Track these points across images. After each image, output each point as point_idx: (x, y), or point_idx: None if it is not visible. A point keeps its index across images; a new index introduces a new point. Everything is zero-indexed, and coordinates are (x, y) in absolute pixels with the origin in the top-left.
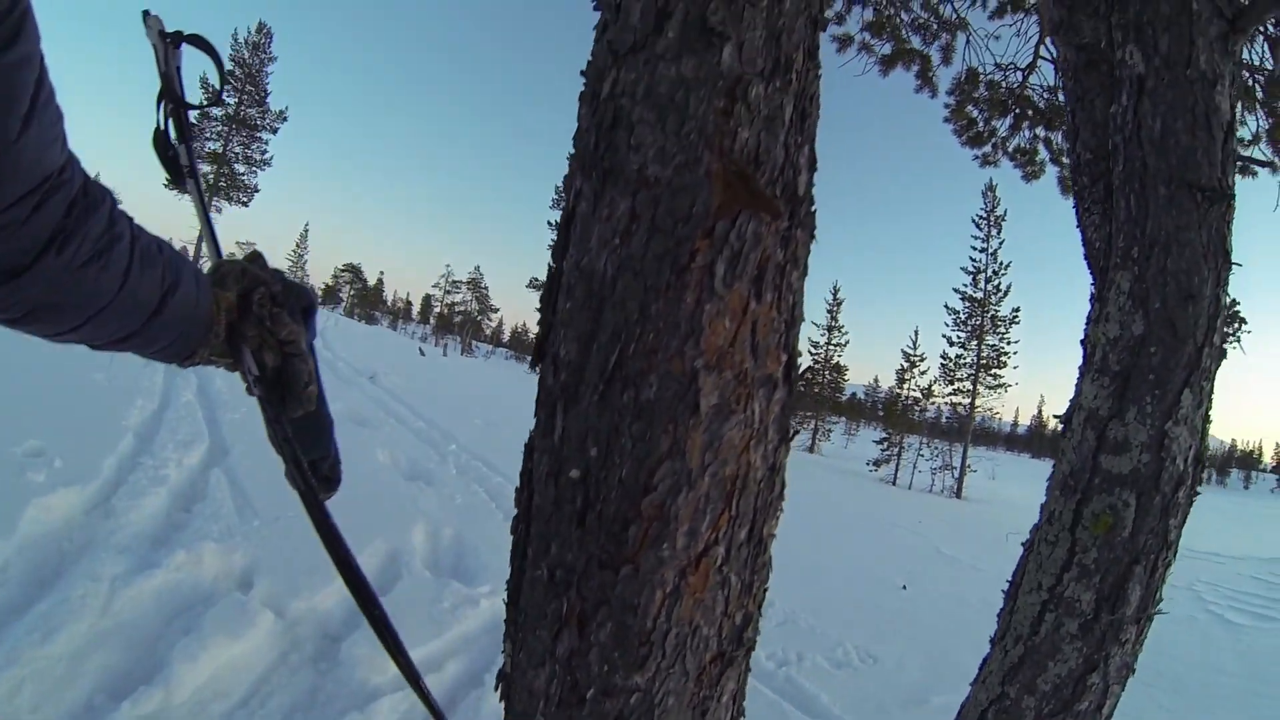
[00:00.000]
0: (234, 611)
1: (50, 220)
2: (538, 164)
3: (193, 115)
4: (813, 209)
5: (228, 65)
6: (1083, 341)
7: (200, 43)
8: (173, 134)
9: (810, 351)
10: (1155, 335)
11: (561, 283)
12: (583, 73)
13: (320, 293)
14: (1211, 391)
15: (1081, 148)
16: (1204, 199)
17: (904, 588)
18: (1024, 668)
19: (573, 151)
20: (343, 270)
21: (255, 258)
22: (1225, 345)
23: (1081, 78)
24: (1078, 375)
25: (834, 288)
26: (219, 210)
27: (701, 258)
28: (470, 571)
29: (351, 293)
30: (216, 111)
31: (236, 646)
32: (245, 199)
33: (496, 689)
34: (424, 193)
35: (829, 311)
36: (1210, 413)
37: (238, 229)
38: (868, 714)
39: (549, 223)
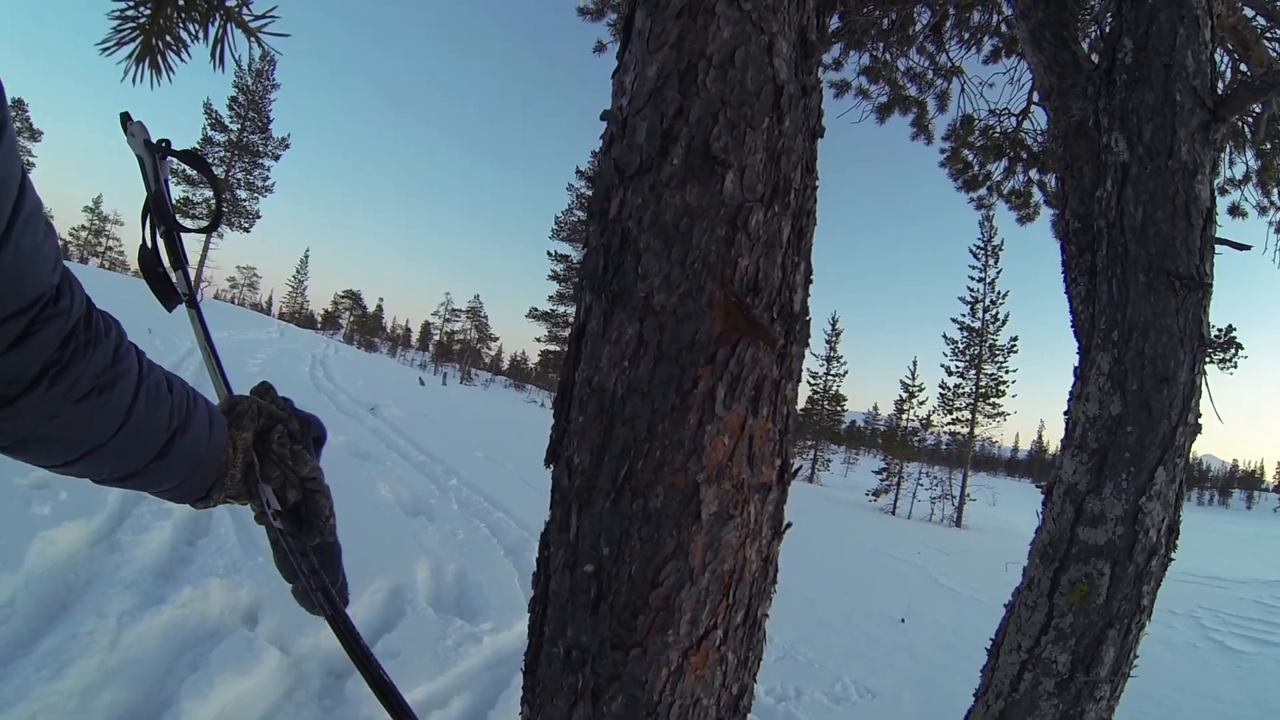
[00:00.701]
0: (241, 648)
1: (41, 351)
2: (537, 194)
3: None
4: (808, 321)
5: (230, 91)
6: (1065, 414)
7: (192, 159)
8: (164, 256)
9: (809, 382)
10: (1132, 415)
11: (574, 394)
12: (587, 182)
13: (320, 318)
14: (1187, 465)
15: (1070, 215)
16: (1181, 287)
17: (902, 621)
18: None
19: (580, 268)
20: (342, 296)
21: (265, 391)
22: (1211, 388)
23: (1071, 144)
24: (1060, 447)
25: (832, 319)
26: (220, 236)
27: (704, 384)
28: (473, 608)
29: (351, 319)
30: (219, 136)
31: (244, 683)
32: (247, 225)
33: None
34: (424, 221)
35: (828, 342)
36: (1183, 486)
37: (239, 255)
38: None
39: (549, 253)
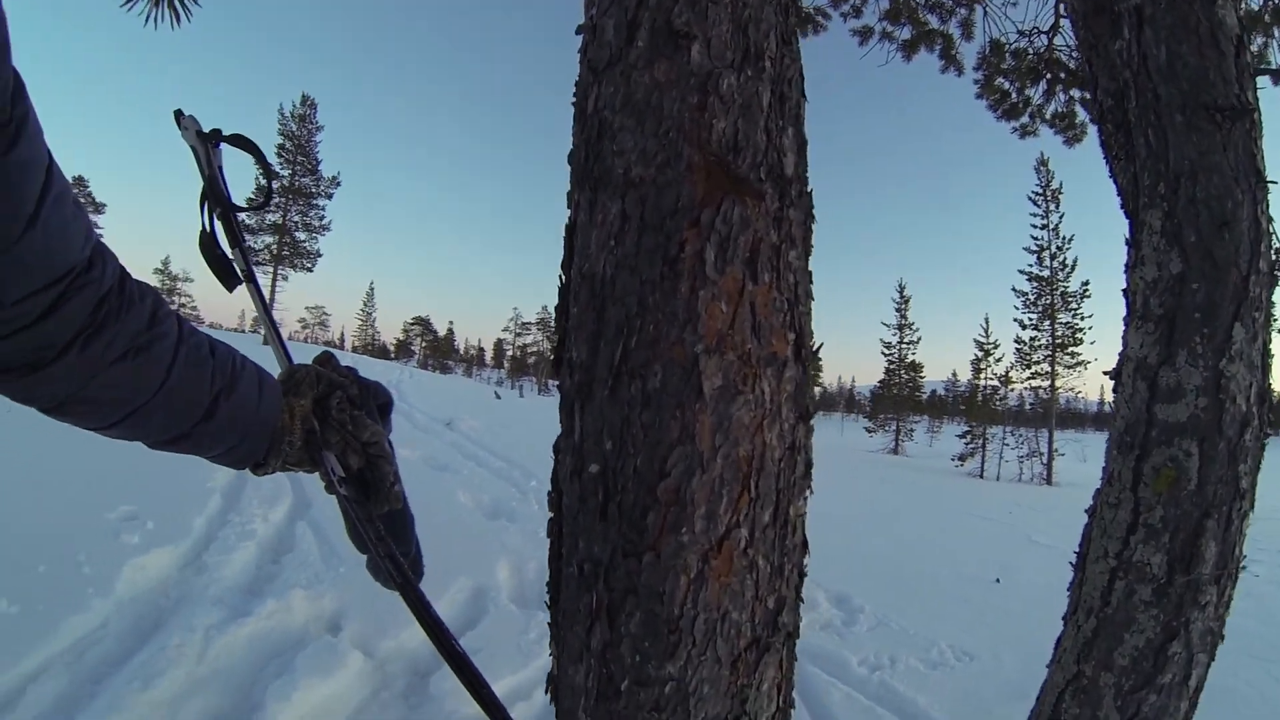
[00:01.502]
0: (325, 653)
1: (74, 317)
2: None
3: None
4: (806, 189)
5: (277, 139)
6: (1124, 291)
7: (241, 141)
8: (222, 238)
9: (883, 352)
10: (1195, 270)
11: (570, 291)
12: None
13: (393, 348)
14: (1269, 322)
15: (1102, 94)
16: (1224, 118)
17: (997, 580)
18: (1098, 642)
19: (569, 165)
20: (412, 324)
21: (326, 360)
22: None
23: (1091, 24)
24: (1123, 327)
25: (900, 285)
26: (285, 278)
27: (691, 246)
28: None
29: (423, 345)
30: (273, 183)
31: (328, 686)
32: (309, 265)
33: (546, 691)
34: (482, 238)
35: (898, 309)
36: (1271, 346)
37: (306, 295)
38: (967, 714)
39: None
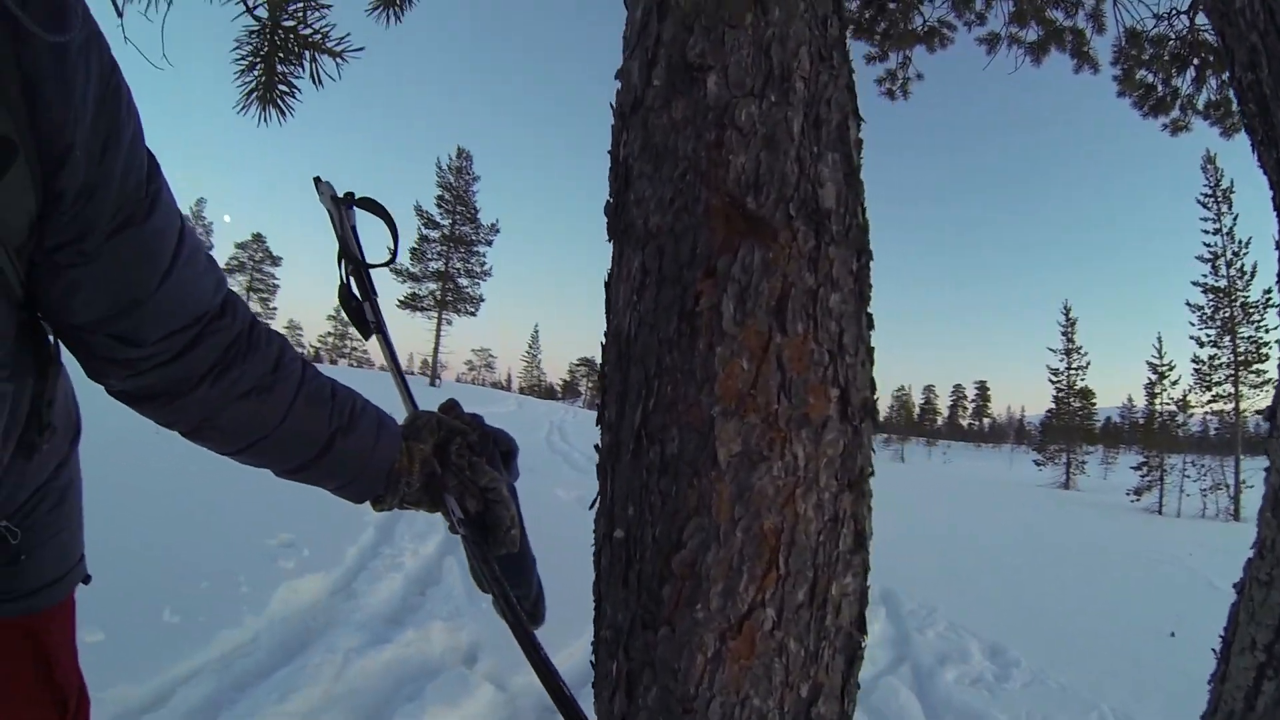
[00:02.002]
0: (456, 683)
1: (206, 357)
2: None
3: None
4: (856, 221)
5: (436, 191)
6: None
7: (371, 205)
8: (355, 291)
9: (1051, 380)
10: None
11: (604, 348)
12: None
13: (559, 388)
14: None
15: (1239, 69)
16: None
17: (1172, 635)
18: None
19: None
20: (577, 365)
21: (450, 408)
22: None
23: None
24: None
25: (1065, 307)
26: (449, 323)
27: (707, 299)
28: None
29: (589, 385)
30: (433, 233)
31: (455, 715)
32: (473, 309)
33: None
34: None
35: (1064, 334)
36: None
37: (470, 338)
38: None
39: None
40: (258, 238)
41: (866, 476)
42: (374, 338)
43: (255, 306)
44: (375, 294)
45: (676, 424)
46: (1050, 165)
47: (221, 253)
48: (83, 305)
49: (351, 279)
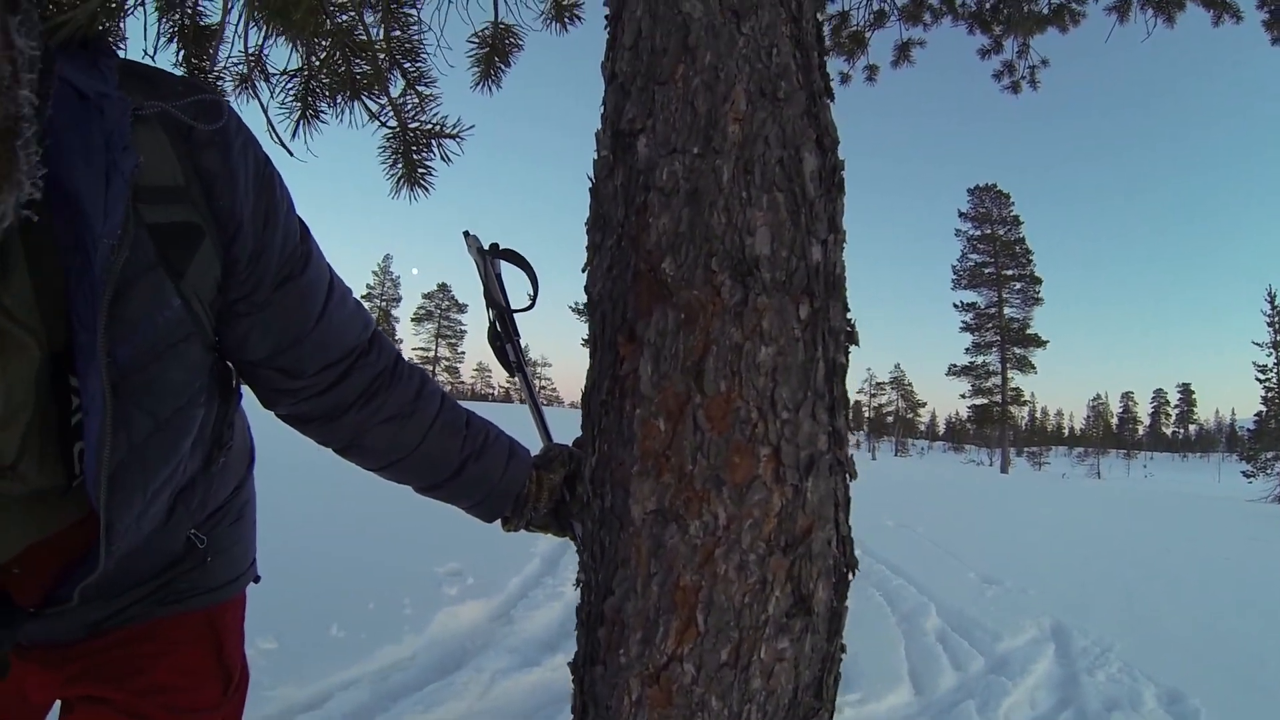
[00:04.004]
0: None
1: (356, 386)
2: (920, 246)
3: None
4: (799, 264)
5: None
6: None
7: (513, 256)
8: (500, 333)
9: (1258, 378)
10: None
11: None
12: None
13: None
14: None
15: None
16: None
17: None
18: None
19: None
20: None
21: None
22: None
23: None
24: None
25: (1269, 294)
26: None
27: (628, 363)
28: (846, 679)
29: None
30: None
31: None
32: None
33: None
34: None
35: (1270, 324)
36: None
37: None
38: None
39: (955, 304)
40: (443, 287)
41: (803, 538)
42: (517, 376)
43: (444, 352)
44: (518, 335)
45: (610, 480)
46: (1218, 138)
47: (410, 303)
48: (256, 344)
49: (497, 323)
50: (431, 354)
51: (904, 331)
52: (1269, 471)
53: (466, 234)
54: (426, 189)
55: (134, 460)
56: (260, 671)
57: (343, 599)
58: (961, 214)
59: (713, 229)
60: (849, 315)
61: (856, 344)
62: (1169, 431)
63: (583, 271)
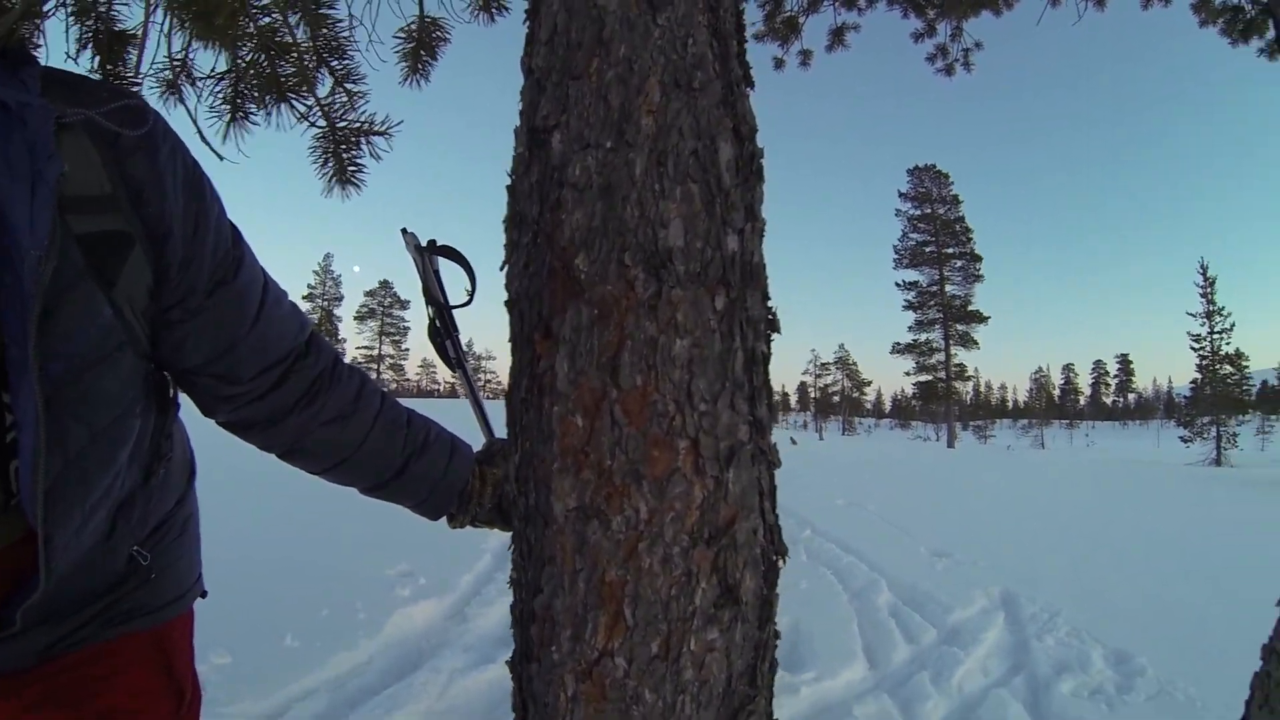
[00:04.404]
0: None
1: (295, 389)
2: (865, 227)
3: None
4: (714, 255)
5: None
6: None
7: (450, 252)
8: (440, 329)
9: (1192, 347)
10: None
11: None
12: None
13: None
14: None
15: None
16: None
17: None
18: None
19: None
20: None
21: None
22: None
23: None
24: None
25: (1201, 266)
26: None
27: (544, 361)
28: (800, 658)
29: None
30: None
31: None
32: None
33: None
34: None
35: (1203, 295)
36: None
37: None
38: None
39: (897, 283)
40: (385, 284)
41: (728, 527)
42: (458, 372)
43: (388, 349)
44: (457, 331)
45: (534, 478)
46: (1150, 117)
47: (352, 301)
48: (191, 351)
49: (436, 319)
50: (376, 352)
51: (847, 311)
52: (1205, 436)
53: (404, 231)
54: (359, 186)
55: (70, 473)
56: (215, 687)
57: (295, 608)
58: (901, 194)
59: (626, 223)
60: (769, 304)
61: (778, 331)
62: (1109, 401)
63: (501, 270)
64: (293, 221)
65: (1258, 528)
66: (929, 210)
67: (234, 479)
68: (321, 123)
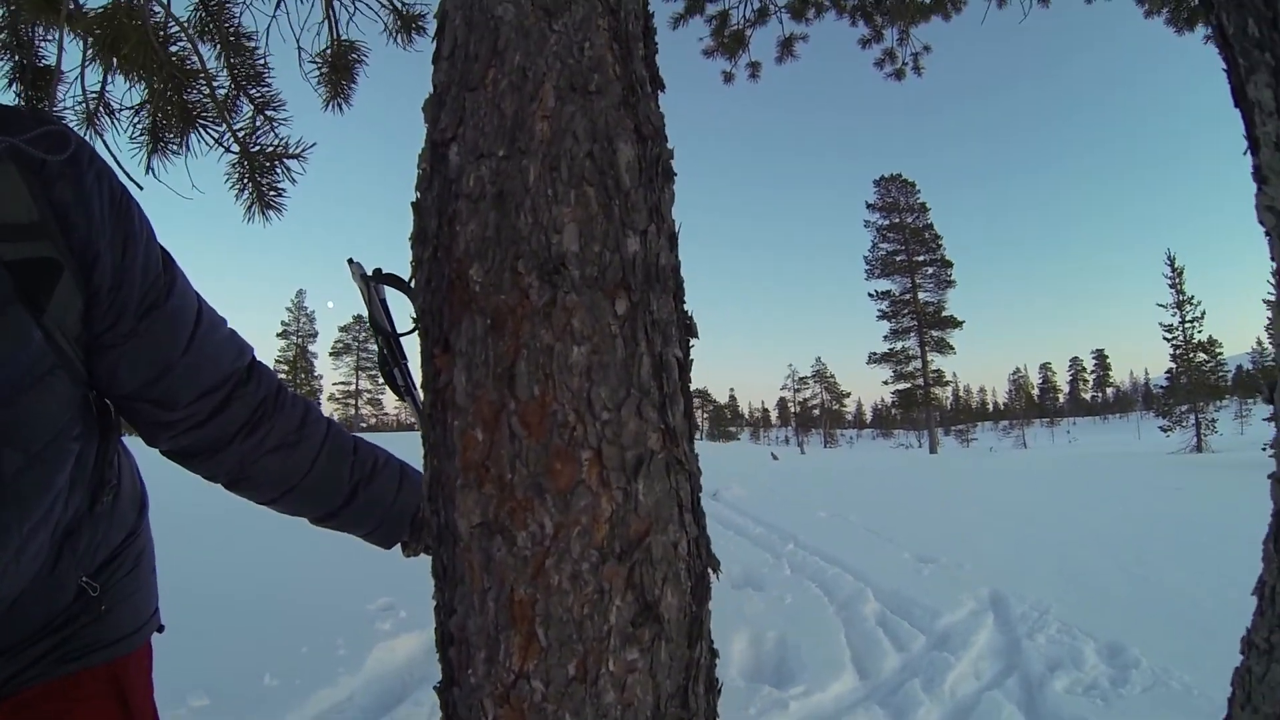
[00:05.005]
0: None
1: (236, 417)
2: (835, 239)
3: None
4: (612, 258)
5: None
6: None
7: (395, 280)
8: (388, 358)
9: (1165, 337)
10: None
11: None
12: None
13: None
14: None
15: None
16: None
17: None
18: None
19: None
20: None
21: None
22: None
23: None
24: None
25: (1169, 257)
26: None
27: (444, 376)
28: (788, 672)
29: (704, 416)
30: None
31: None
32: None
33: None
34: (749, 300)
35: (1172, 285)
36: None
37: None
38: None
39: (870, 294)
40: (359, 319)
41: (639, 540)
42: (406, 399)
43: (365, 384)
44: (405, 359)
45: (443, 497)
46: (1108, 111)
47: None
48: (126, 376)
49: (384, 348)
50: (353, 387)
51: (822, 324)
52: (1184, 424)
53: (350, 261)
54: (279, 210)
55: (6, 497)
56: None
57: (274, 646)
58: (869, 205)
59: (519, 230)
60: (684, 307)
61: (695, 336)
62: (1088, 396)
63: (406, 290)
64: (264, 258)
65: (1239, 510)
66: (897, 219)
67: (208, 515)
68: (235, 148)
